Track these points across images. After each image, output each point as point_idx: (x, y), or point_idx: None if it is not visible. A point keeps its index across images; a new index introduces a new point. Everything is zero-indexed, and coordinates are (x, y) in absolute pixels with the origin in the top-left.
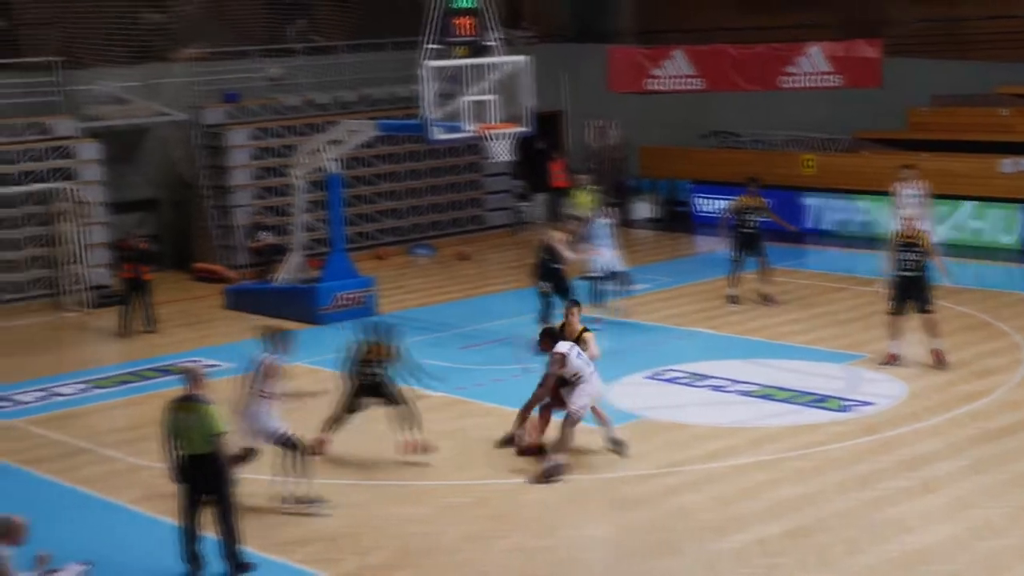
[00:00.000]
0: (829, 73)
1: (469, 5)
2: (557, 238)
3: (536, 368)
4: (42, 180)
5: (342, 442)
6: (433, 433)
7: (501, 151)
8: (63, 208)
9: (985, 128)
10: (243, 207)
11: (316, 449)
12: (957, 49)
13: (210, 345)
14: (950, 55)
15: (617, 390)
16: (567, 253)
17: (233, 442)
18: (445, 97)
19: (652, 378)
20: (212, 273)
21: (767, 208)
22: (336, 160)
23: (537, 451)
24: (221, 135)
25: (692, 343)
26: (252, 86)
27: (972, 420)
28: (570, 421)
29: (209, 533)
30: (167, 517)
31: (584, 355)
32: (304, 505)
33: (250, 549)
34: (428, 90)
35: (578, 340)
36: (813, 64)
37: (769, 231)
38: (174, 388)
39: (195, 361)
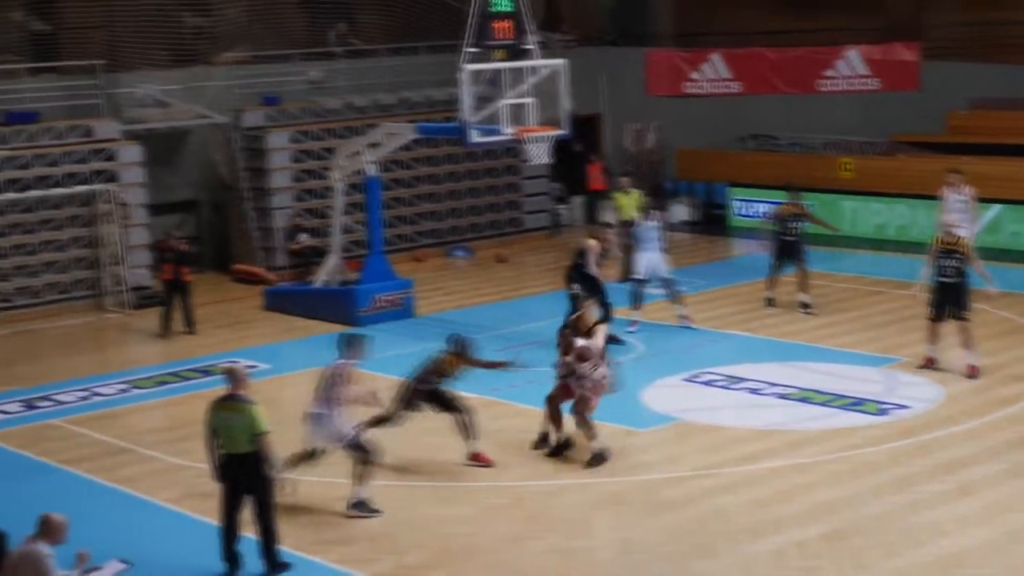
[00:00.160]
0: (867, 76)
1: (508, 8)
2: (591, 246)
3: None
4: (84, 182)
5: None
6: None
7: (539, 154)
8: (105, 210)
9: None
10: (282, 209)
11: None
12: (996, 52)
13: (249, 346)
14: (989, 58)
15: (653, 393)
16: (592, 268)
17: (302, 441)
18: (483, 100)
19: (689, 381)
20: (251, 275)
21: (810, 213)
22: (375, 163)
23: (565, 445)
24: (261, 138)
25: (729, 346)
26: (292, 89)
27: (1009, 424)
28: (585, 405)
29: (247, 532)
30: (206, 516)
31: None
32: (355, 512)
33: (286, 548)
34: (467, 93)
35: (588, 333)
36: (851, 67)
37: (812, 236)
38: (214, 389)
39: (235, 362)
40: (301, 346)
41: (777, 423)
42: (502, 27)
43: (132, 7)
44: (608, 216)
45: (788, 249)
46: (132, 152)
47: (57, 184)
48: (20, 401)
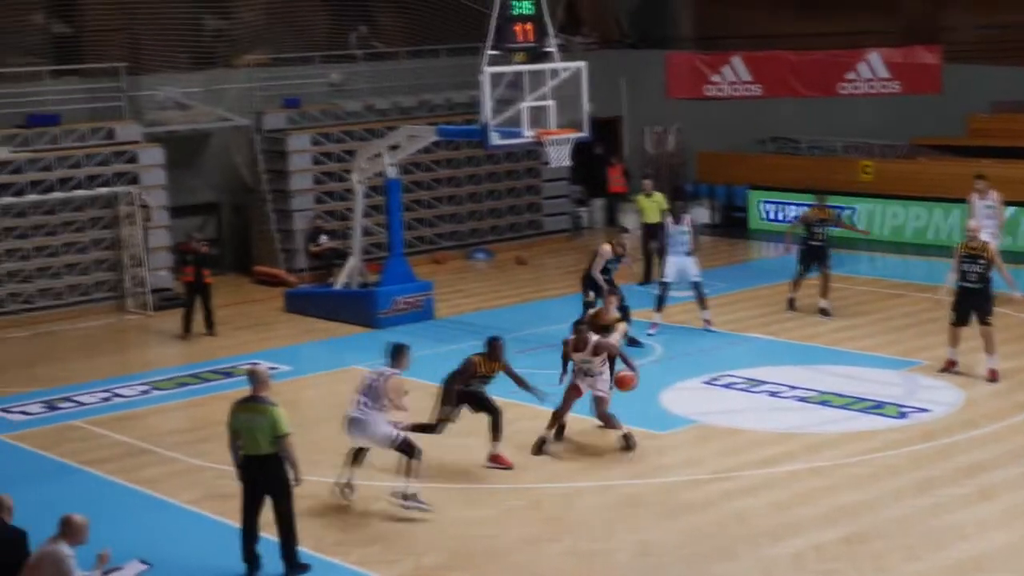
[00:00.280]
0: (888, 79)
1: (529, 11)
2: (601, 250)
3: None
4: (106, 184)
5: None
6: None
7: (559, 157)
8: (126, 212)
9: None
10: (303, 212)
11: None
12: (1018, 56)
13: (270, 348)
14: (1010, 61)
15: (673, 395)
16: (595, 271)
17: (347, 442)
18: (504, 103)
19: (709, 383)
20: (272, 277)
21: (838, 218)
22: (395, 165)
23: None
24: (282, 140)
25: (749, 349)
26: (313, 92)
27: None
28: (603, 403)
29: (267, 533)
30: (226, 518)
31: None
32: (412, 503)
33: (305, 549)
34: (487, 96)
35: (607, 329)
36: (872, 70)
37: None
38: (234, 390)
39: (256, 363)
40: (321, 348)
41: (797, 426)
42: (523, 30)
43: (153, 10)
44: (628, 219)
45: (814, 254)
46: (153, 154)
47: (79, 186)
48: (42, 402)
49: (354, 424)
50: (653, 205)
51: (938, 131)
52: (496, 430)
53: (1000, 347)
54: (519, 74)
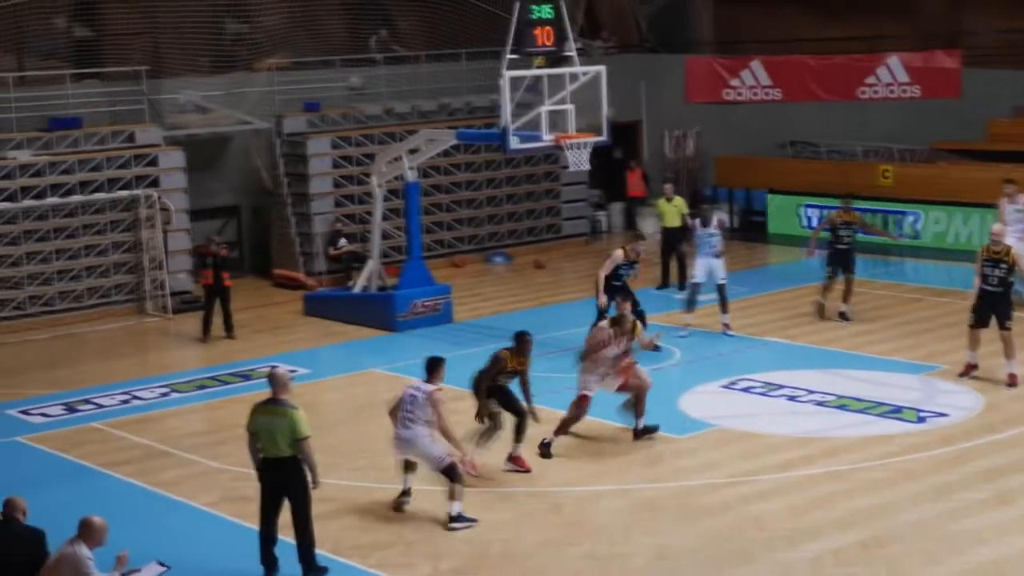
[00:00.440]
0: (908, 84)
1: (548, 15)
2: (616, 255)
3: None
4: (127, 187)
5: None
6: (505, 440)
7: (578, 161)
8: (146, 215)
9: None
10: (322, 215)
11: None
12: None
13: (289, 351)
14: None
15: (691, 399)
16: (600, 273)
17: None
18: (523, 107)
19: (727, 387)
20: (291, 280)
21: (864, 222)
22: (415, 169)
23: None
24: (302, 143)
25: (767, 353)
26: (333, 95)
27: None
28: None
29: (284, 536)
30: (244, 520)
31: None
32: (459, 523)
33: (324, 552)
34: (507, 100)
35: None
36: (892, 74)
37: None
38: (253, 393)
39: (275, 366)
40: (340, 351)
41: (815, 430)
42: (543, 34)
43: (174, 14)
44: (647, 224)
45: (840, 257)
46: (174, 157)
47: (100, 189)
48: (61, 404)
49: (402, 442)
50: (673, 209)
51: (958, 135)
52: (519, 431)
53: (1020, 351)
54: (538, 78)
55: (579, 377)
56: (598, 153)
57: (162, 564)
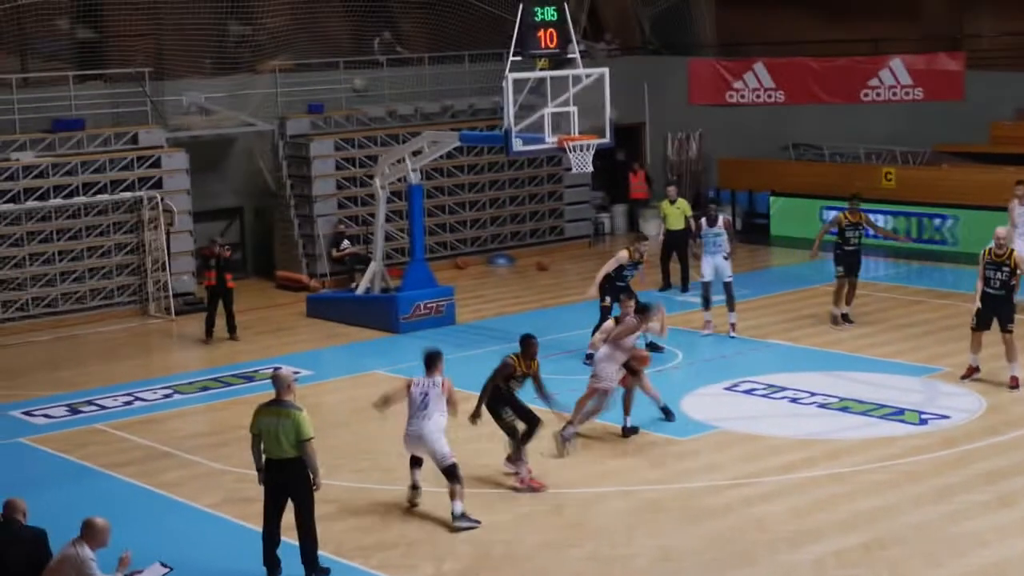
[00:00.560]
0: (911, 86)
1: (552, 18)
2: (621, 256)
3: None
4: (130, 189)
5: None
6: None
7: (581, 163)
8: (149, 216)
9: None
10: (325, 216)
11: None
12: None
13: (291, 352)
14: None
15: (694, 401)
16: (599, 273)
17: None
18: (527, 109)
19: (729, 390)
20: (294, 281)
21: (871, 223)
22: (418, 170)
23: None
24: (305, 145)
25: (769, 355)
26: (336, 97)
27: None
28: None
29: (286, 537)
30: (247, 521)
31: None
32: (463, 522)
33: (326, 553)
34: (510, 102)
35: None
36: (895, 77)
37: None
38: (256, 394)
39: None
40: (343, 352)
41: (817, 432)
42: (546, 36)
43: (178, 16)
44: (650, 225)
45: (848, 259)
46: (177, 159)
47: (103, 191)
48: (64, 405)
49: (413, 438)
50: (677, 212)
51: (961, 138)
52: (527, 437)
53: (1022, 354)
54: (542, 80)
55: (601, 368)
56: (601, 155)
57: (165, 565)
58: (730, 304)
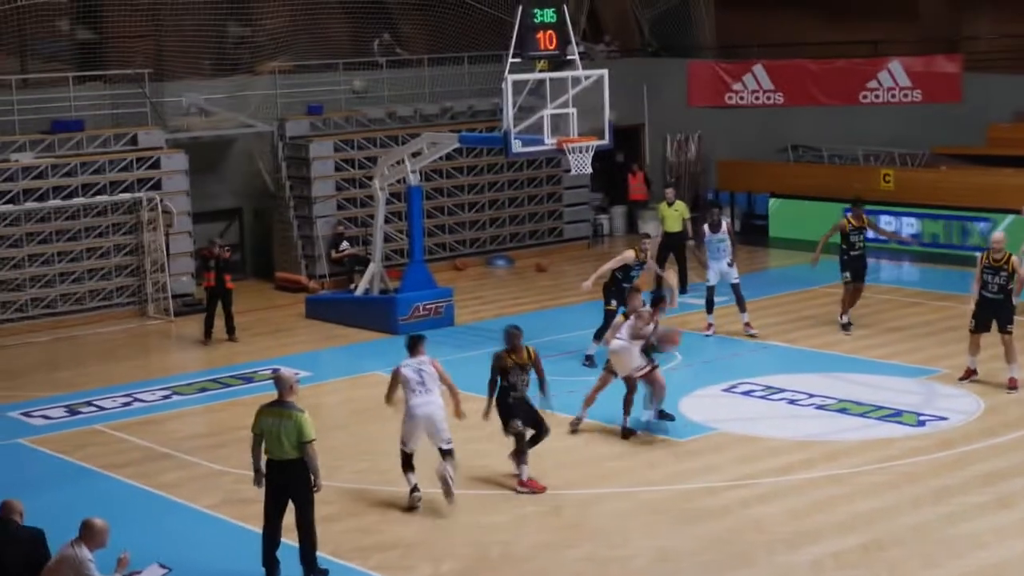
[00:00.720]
0: (909, 88)
1: (551, 19)
2: (627, 255)
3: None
4: (129, 190)
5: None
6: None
7: (580, 164)
8: (149, 217)
9: None
10: (325, 218)
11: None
12: None
13: (290, 353)
14: None
15: (692, 402)
16: (605, 268)
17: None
18: (526, 110)
19: (727, 391)
20: (293, 283)
21: (875, 226)
22: (417, 172)
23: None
24: (304, 147)
25: (767, 357)
26: (335, 98)
27: None
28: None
29: (285, 538)
30: (245, 522)
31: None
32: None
33: (324, 555)
34: (509, 103)
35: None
36: (893, 79)
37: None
38: (255, 395)
39: (276, 369)
40: (341, 354)
41: (815, 434)
42: (545, 37)
43: (177, 17)
44: (649, 227)
45: (854, 264)
46: (176, 160)
47: (102, 192)
48: (63, 406)
49: (420, 416)
50: (675, 214)
51: (959, 140)
52: (533, 442)
53: (1021, 355)
54: (541, 82)
55: (619, 358)
56: (600, 157)
57: (163, 566)
58: (741, 305)
